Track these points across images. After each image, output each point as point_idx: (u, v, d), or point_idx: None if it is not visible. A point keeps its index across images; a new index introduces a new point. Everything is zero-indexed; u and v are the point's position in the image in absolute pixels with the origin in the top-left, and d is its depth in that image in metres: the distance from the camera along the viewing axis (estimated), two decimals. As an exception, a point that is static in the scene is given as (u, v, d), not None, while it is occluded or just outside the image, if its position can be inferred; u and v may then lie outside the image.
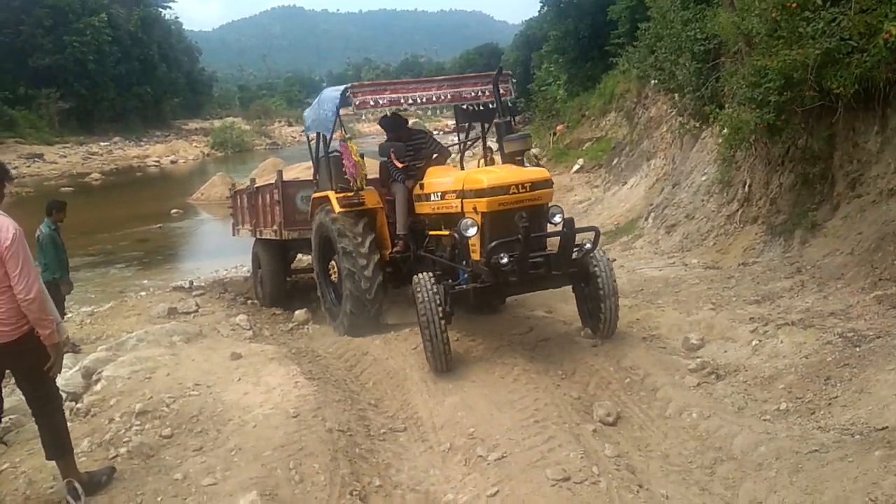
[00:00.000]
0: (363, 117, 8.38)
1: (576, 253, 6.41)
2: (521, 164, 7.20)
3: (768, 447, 4.58)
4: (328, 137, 8.18)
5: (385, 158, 8.03)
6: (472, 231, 6.15)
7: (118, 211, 25.61)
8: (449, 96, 7.91)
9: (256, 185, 11.13)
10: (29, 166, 42.03)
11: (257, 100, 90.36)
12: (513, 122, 7.85)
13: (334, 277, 8.15)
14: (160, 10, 79.46)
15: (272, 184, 10.21)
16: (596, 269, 6.46)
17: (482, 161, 8.17)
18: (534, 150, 14.65)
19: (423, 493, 4.58)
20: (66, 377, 7.26)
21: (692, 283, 8.20)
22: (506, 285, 6.28)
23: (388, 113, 8.05)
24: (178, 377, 6.48)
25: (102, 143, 54.09)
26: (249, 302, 10.87)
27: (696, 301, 7.53)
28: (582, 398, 5.67)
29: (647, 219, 12.43)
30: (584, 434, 5.02)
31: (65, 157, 47.04)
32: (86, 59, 58.24)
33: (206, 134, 61.51)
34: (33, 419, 4.81)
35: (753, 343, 6.26)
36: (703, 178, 11.00)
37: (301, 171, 15.07)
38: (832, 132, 7.94)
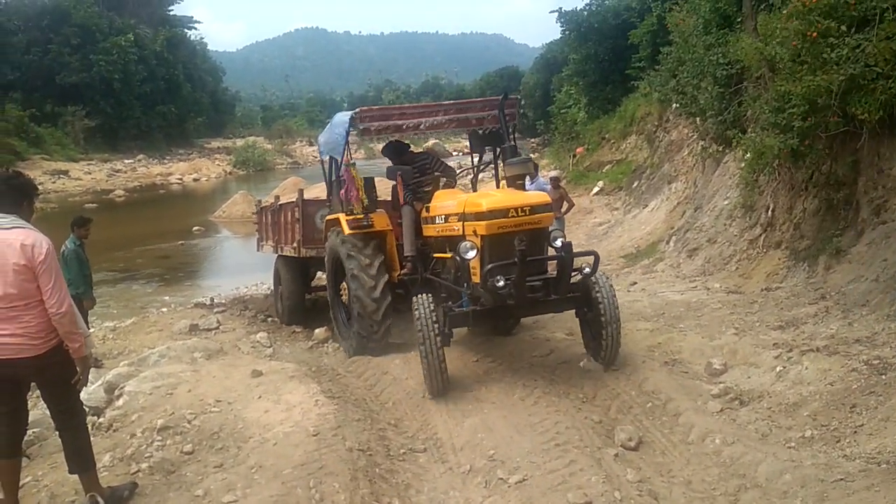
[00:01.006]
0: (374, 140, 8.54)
1: (575, 277, 6.42)
2: (522, 187, 7.27)
3: (793, 475, 4.52)
4: (339, 160, 8.28)
5: (393, 182, 8.14)
6: (472, 254, 6.20)
7: (141, 228, 25.86)
8: (455, 121, 8.06)
9: (280, 203, 11.23)
10: (54, 182, 42.58)
11: (279, 119, 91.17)
12: (516, 147, 7.92)
13: (345, 298, 8.22)
14: (186, 30, 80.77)
15: (294, 201, 10.31)
16: (598, 294, 6.40)
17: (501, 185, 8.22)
18: (553, 173, 14.65)
19: (443, 515, 4.56)
20: (89, 392, 7.32)
21: (714, 307, 8.14)
22: (504, 308, 6.31)
23: (391, 140, 8.25)
24: (199, 393, 6.51)
25: (127, 161, 54.77)
26: (269, 319, 10.93)
27: (718, 326, 7.47)
28: (603, 422, 5.64)
29: (668, 242, 12.37)
30: (605, 458, 4.99)
31: (89, 173, 47.63)
32: (112, 78, 59.14)
33: (228, 153, 62.09)
34: (56, 433, 4.85)
35: (777, 369, 6.20)
36: (726, 202, 10.95)
37: (321, 190, 15.08)
38: (856, 158, 7.89)
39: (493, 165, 8.67)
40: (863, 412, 5.22)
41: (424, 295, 6.29)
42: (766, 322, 7.30)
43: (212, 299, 13.01)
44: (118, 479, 5.06)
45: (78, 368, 4.44)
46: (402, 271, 7.77)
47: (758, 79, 9.87)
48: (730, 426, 5.47)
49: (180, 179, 48.41)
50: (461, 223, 6.60)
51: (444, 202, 7.20)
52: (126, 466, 5.28)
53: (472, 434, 5.43)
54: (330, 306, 8.89)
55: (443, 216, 7.09)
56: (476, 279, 6.30)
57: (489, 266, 6.02)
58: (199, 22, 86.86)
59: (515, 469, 4.86)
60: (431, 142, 52.26)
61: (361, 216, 7.78)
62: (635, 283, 10.65)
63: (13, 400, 4.51)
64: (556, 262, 6.34)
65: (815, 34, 7.39)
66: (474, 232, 6.35)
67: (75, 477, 4.83)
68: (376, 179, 8.39)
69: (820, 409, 5.43)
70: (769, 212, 9.53)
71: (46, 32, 57.90)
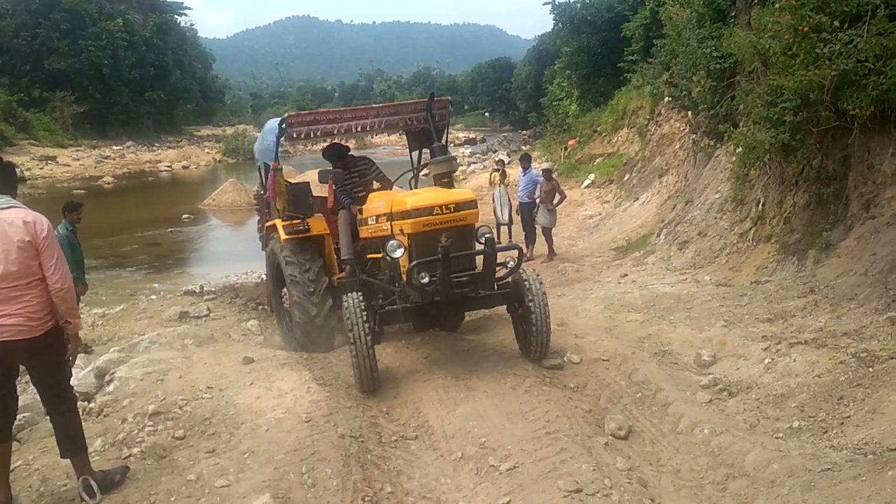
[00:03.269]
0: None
1: (500, 271, 6.51)
2: (449, 185, 7.39)
3: (781, 465, 4.58)
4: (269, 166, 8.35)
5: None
6: (399, 252, 6.32)
7: (129, 215, 25.73)
8: (384, 124, 8.22)
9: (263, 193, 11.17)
10: (42, 168, 42.28)
11: (269, 108, 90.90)
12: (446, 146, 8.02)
13: (287, 304, 8.30)
14: (176, 16, 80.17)
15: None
16: (528, 290, 6.44)
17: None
18: (546, 165, 14.66)
19: (435, 501, 4.59)
20: (79, 377, 7.30)
21: (704, 300, 8.20)
22: (433, 305, 6.38)
23: (331, 143, 8.36)
24: (190, 380, 6.51)
25: (115, 147, 54.40)
26: (260, 307, 10.91)
27: (708, 318, 7.52)
28: (593, 411, 5.68)
29: (658, 235, 12.43)
30: (595, 447, 5.03)
31: (78, 160, 47.30)
32: (101, 64, 58.70)
33: (218, 140, 61.78)
34: (47, 417, 4.86)
35: (766, 361, 6.26)
36: (717, 195, 11.01)
37: (311, 179, 15.15)
38: (847, 153, 7.95)
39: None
40: (850, 404, 5.28)
41: (354, 294, 6.32)
42: (755, 315, 7.36)
43: (201, 287, 12.96)
44: (110, 464, 5.06)
45: (71, 346, 4.51)
46: (341, 275, 7.84)
47: (750, 73, 9.92)
48: (718, 416, 5.53)
49: (169, 167, 48.12)
50: (389, 223, 6.71)
51: (375, 203, 7.29)
52: (117, 451, 5.28)
53: (463, 422, 5.45)
54: (273, 311, 9.07)
55: (374, 217, 7.20)
56: (406, 277, 6.38)
57: (413, 263, 6.14)
58: (189, 8, 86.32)
59: (507, 456, 4.89)
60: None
61: (298, 221, 7.84)
62: (626, 274, 10.70)
63: (4, 384, 4.51)
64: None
65: (806, 29, 7.43)
66: (401, 231, 6.46)
67: (67, 461, 4.83)
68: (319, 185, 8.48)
69: (808, 401, 5.49)
70: (759, 206, 9.59)
71: (35, 17, 57.33)
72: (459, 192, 6.81)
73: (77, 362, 7.89)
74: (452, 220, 6.30)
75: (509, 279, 6.74)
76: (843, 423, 5.11)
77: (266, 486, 4.48)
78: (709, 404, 5.78)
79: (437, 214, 6.27)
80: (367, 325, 6.03)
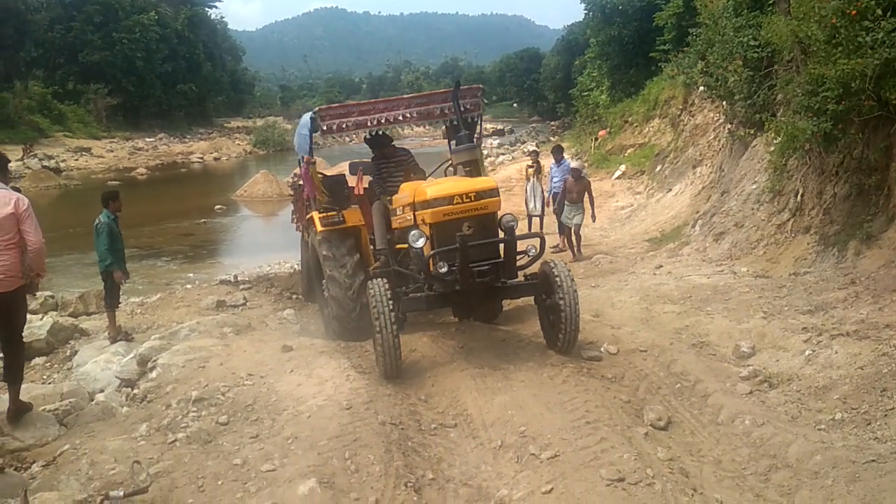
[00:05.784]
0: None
1: (522, 260, 6.44)
2: (472, 174, 7.30)
3: (824, 456, 4.55)
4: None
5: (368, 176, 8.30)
6: (421, 242, 6.31)
7: (163, 205, 26.05)
8: (416, 114, 8.10)
9: (300, 182, 11.25)
10: (77, 160, 42.97)
11: (298, 100, 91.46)
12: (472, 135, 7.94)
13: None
14: (206, 9, 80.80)
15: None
16: (557, 280, 6.34)
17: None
18: (575, 164, 14.07)
19: (476, 489, 4.63)
20: (122, 364, 7.49)
21: (742, 291, 8.12)
22: (457, 294, 6.37)
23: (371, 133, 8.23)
24: (231, 367, 6.63)
25: (148, 139, 55.14)
26: (295, 297, 11.02)
27: (746, 309, 7.46)
28: (632, 402, 5.68)
29: (693, 226, 12.32)
30: (635, 437, 5.03)
31: (111, 151, 48.02)
32: (134, 57, 59.39)
33: (248, 132, 62.29)
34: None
35: (807, 353, 6.19)
36: (754, 186, 10.87)
37: (342, 170, 15.21)
38: (889, 143, 7.81)
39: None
40: (893, 396, 5.21)
41: (380, 280, 6.34)
42: (795, 306, 7.28)
43: (235, 276, 13.11)
44: (155, 448, 5.18)
45: (35, 283, 5.82)
46: (375, 265, 7.84)
47: (789, 62, 9.76)
48: (759, 408, 5.50)
49: (201, 158, 48.63)
50: (413, 213, 6.72)
51: (403, 193, 7.27)
52: (163, 436, 5.41)
53: (502, 411, 5.48)
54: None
55: (402, 207, 7.20)
56: (429, 266, 6.35)
57: (431, 252, 6.16)
58: (219, 0, 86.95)
59: (547, 445, 4.91)
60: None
61: (334, 213, 7.84)
62: (661, 266, 10.63)
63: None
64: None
65: (854, 12, 7.30)
66: (423, 220, 6.47)
67: (115, 445, 5.02)
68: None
69: (850, 393, 5.43)
70: (798, 196, 9.46)
71: (69, 10, 58.20)
72: (480, 181, 6.78)
73: (119, 349, 8.13)
74: (473, 209, 6.29)
75: (536, 270, 6.70)
76: (886, 415, 5.05)
77: (311, 471, 4.55)
78: (749, 396, 5.75)
79: (458, 203, 6.27)
80: (392, 314, 6.05)
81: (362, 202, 8.50)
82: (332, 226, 7.84)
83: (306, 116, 8.28)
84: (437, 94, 8.48)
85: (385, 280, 6.38)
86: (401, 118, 8.07)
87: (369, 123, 7.96)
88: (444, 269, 6.10)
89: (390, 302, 6.10)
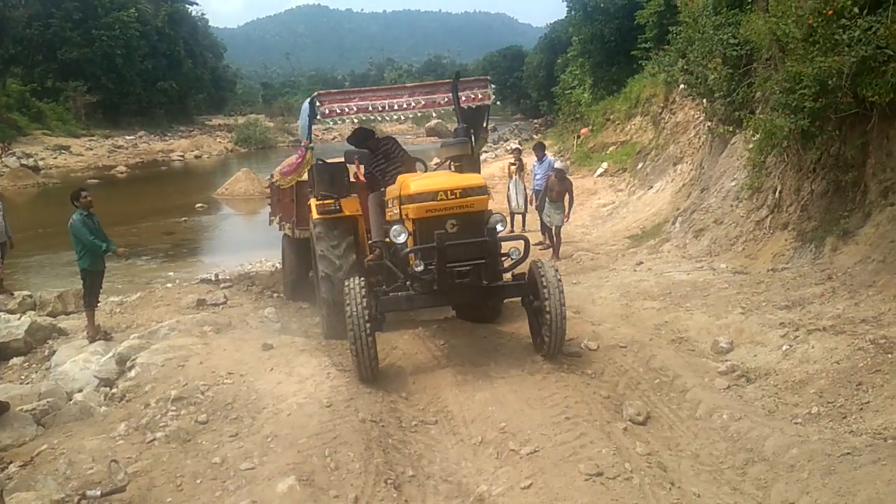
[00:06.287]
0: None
1: (504, 261, 6.25)
2: (462, 169, 7.07)
3: (800, 449, 4.61)
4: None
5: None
6: (403, 237, 6.11)
7: (143, 204, 25.82)
8: (423, 102, 7.87)
9: (278, 181, 11.17)
10: (55, 158, 42.42)
11: (280, 97, 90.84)
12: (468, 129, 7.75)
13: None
14: (187, 6, 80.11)
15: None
16: (542, 282, 6.14)
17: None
18: (559, 164, 13.93)
19: (456, 484, 4.65)
20: (101, 363, 7.42)
21: (721, 287, 8.19)
22: (439, 294, 6.18)
23: (355, 126, 8.17)
24: (211, 365, 6.59)
25: (128, 137, 54.51)
26: (276, 295, 10.97)
27: (725, 305, 7.52)
28: (611, 397, 5.72)
29: (674, 223, 12.40)
30: (614, 432, 5.07)
31: (91, 149, 47.42)
32: (113, 54, 58.70)
33: (229, 130, 61.82)
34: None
35: (784, 348, 6.26)
36: (733, 183, 10.96)
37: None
38: (866, 140, 7.90)
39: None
40: (869, 390, 5.30)
41: (356, 279, 6.18)
42: (773, 302, 7.35)
43: (216, 275, 13.03)
44: (134, 448, 5.15)
45: None
46: (370, 256, 7.59)
47: (767, 60, 9.85)
48: (737, 402, 5.56)
49: (182, 156, 48.23)
50: (399, 207, 6.53)
51: (395, 185, 7.05)
52: (141, 435, 5.38)
53: (482, 407, 5.50)
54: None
55: (392, 200, 6.97)
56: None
57: (407, 250, 5.97)
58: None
59: (527, 441, 4.94)
60: (434, 121, 52.06)
61: (331, 202, 7.69)
62: (641, 262, 10.69)
63: None
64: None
65: (830, 12, 7.37)
66: (407, 215, 6.28)
67: (93, 445, 4.99)
68: None
69: (826, 387, 5.50)
70: (776, 193, 9.55)
71: (48, 6, 57.36)
72: (468, 177, 6.57)
73: (97, 349, 8.06)
74: (459, 207, 6.08)
75: (525, 270, 6.55)
76: (862, 409, 5.13)
77: (290, 468, 4.54)
78: (727, 390, 5.80)
79: (442, 200, 6.06)
80: (366, 312, 5.86)
81: (361, 192, 8.38)
82: (328, 214, 7.72)
83: (307, 102, 8.13)
84: (442, 83, 8.21)
85: (362, 278, 6.21)
86: (405, 105, 7.83)
87: (370, 110, 7.73)
88: (421, 268, 5.90)
89: (364, 301, 5.90)
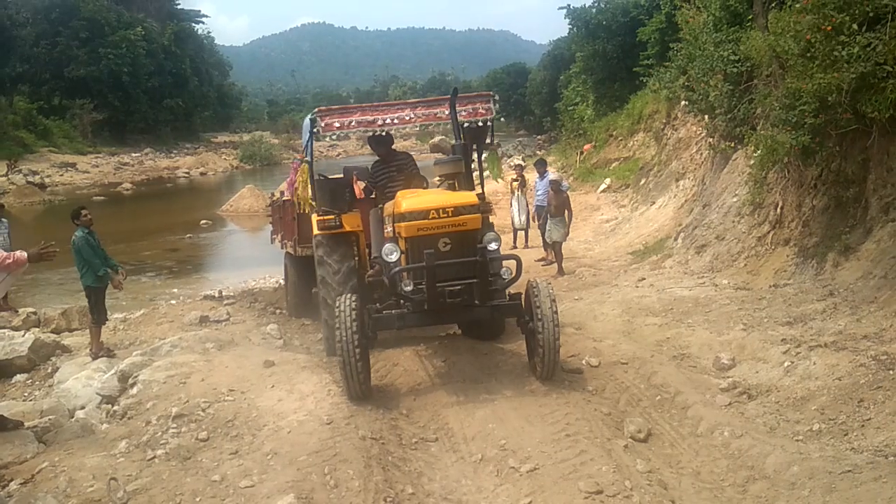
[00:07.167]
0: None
1: (495, 281, 6.11)
2: (454, 187, 7.05)
3: (801, 467, 4.59)
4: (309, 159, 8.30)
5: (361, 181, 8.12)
6: (395, 256, 6.03)
7: (148, 221, 25.98)
8: (423, 117, 7.88)
9: (283, 199, 11.21)
10: (62, 175, 42.78)
11: (286, 114, 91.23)
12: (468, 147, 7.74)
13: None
14: (193, 24, 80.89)
15: (291, 200, 10.24)
16: (536, 301, 6.04)
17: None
18: (553, 176, 13.80)
19: (456, 503, 4.64)
20: (103, 380, 7.44)
21: (722, 303, 8.18)
22: (431, 313, 6.10)
23: (374, 133, 8.05)
24: (212, 383, 6.60)
25: (134, 154, 54.89)
26: (279, 312, 10.99)
27: (726, 321, 7.52)
28: (612, 414, 5.70)
29: (676, 239, 12.40)
30: (615, 449, 5.06)
31: (97, 166, 47.77)
32: (120, 72, 59.30)
33: (235, 147, 62.21)
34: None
35: (785, 364, 6.25)
36: (734, 199, 10.97)
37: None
38: (866, 156, 7.93)
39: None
40: (870, 406, 5.28)
41: (348, 296, 6.11)
42: (775, 318, 7.35)
43: (220, 292, 13.06)
44: (134, 465, 5.15)
45: None
46: (371, 272, 7.50)
47: (768, 76, 9.90)
48: (738, 419, 5.54)
49: (187, 173, 48.53)
50: (392, 224, 6.49)
51: (390, 203, 6.95)
52: (142, 453, 5.38)
53: (482, 424, 5.49)
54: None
55: (388, 216, 6.92)
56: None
57: (396, 269, 5.91)
58: (206, 16, 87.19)
59: (527, 458, 4.92)
60: (437, 138, 52.17)
61: (332, 217, 7.68)
62: (643, 278, 10.69)
63: None
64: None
65: (829, 28, 7.40)
66: (399, 234, 6.23)
67: (93, 462, 4.98)
68: None
69: (828, 404, 5.48)
70: (778, 209, 9.56)
71: (55, 25, 58.09)
72: (460, 195, 6.50)
73: (100, 366, 8.08)
74: (451, 225, 6.00)
75: (522, 290, 6.44)
76: (863, 426, 5.11)
77: (290, 486, 4.54)
78: (728, 407, 5.79)
79: (434, 218, 5.97)
80: (356, 331, 5.78)
81: (363, 207, 8.35)
82: (329, 230, 7.72)
83: (308, 118, 8.14)
84: (443, 98, 8.18)
85: (353, 297, 6.12)
86: (406, 119, 7.84)
87: (372, 124, 7.74)
88: (410, 287, 5.85)
89: (355, 323, 5.81)
